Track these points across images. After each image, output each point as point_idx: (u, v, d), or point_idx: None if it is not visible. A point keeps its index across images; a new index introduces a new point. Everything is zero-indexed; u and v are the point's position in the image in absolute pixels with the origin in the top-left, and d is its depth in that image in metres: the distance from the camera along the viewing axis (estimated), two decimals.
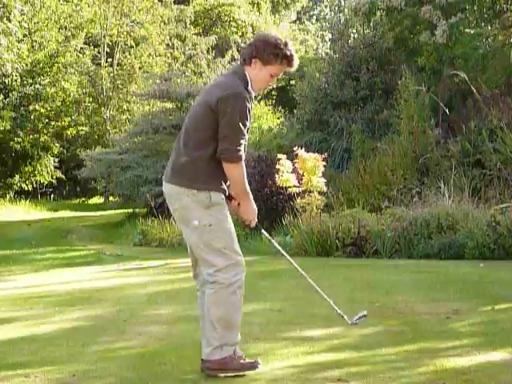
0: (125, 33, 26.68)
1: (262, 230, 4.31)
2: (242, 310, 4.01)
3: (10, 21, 20.58)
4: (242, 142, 3.89)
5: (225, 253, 3.93)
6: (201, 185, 3.90)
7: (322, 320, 5.38)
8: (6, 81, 22.70)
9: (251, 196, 4.05)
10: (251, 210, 4.06)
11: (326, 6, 42.17)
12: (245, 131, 3.90)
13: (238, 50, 29.60)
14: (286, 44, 3.99)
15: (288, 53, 3.99)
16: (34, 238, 15.84)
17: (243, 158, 3.92)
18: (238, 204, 4.05)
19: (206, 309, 3.97)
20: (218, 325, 3.92)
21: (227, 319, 3.93)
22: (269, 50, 3.97)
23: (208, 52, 28.22)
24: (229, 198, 4.03)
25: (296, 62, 4.07)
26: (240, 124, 3.85)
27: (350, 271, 8.49)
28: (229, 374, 3.95)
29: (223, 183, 3.97)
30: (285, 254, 4.39)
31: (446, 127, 13.67)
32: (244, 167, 3.96)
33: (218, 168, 3.91)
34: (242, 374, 3.97)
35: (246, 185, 3.98)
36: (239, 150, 3.88)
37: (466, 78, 13.03)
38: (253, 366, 4.01)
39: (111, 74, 26.14)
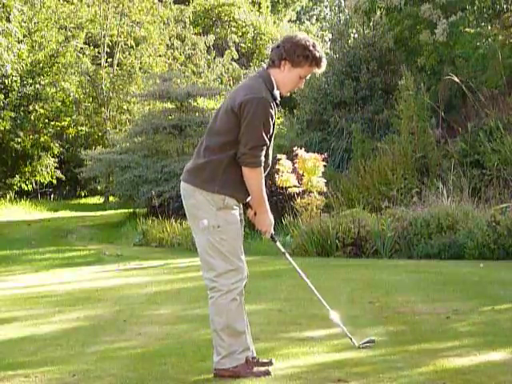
0: (125, 33, 26.66)
1: (277, 243, 4.25)
2: (245, 316, 3.98)
3: (9, 21, 20.57)
4: (262, 147, 3.86)
5: (227, 257, 3.89)
6: (216, 187, 3.88)
7: (322, 320, 5.38)
8: (6, 81, 22.68)
9: (268, 206, 4.01)
10: (267, 221, 4.02)
11: (326, 6, 42.17)
12: (266, 137, 3.86)
13: (237, 50, 29.60)
14: (314, 45, 3.96)
15: (317, 54, 3.96)
16: (34, 238, 15.84)
17: (262, 164, 3.89)
18: (255, 213, 4.03)
19: (210, 319, 3.95)
20: (223, 333, 3.90)
21: (231, 327, 3.90)
22: (299, 52, 3.93)
23: (208, 52, 28.21)
24: (246, 206, 4.03)
25: (324, 64, 4.03)
26: (261, 129, 3.82)
27: (350, 271, 8.50)
28: None
29: (240, 191, 3.93)
30: (296, 267, 4.33)
31: (445, 127, 13.68)
32: (263, 174, 3.93)
33: (237, 174, 3.89)
34: None
35: (263, 192, 3.95)
36: (259, 156, 3.85)
37: (460, 83, 13.02)
38: (266, 373, 3.96)
39: (111, 75, 26.13)
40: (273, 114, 3.87)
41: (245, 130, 3.82)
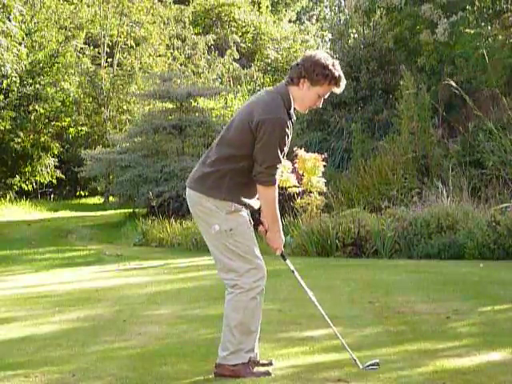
0: (125, 33, 26.67)
1: (287, 261, 4.27)
2: (260, 317, 3.98)
3: (9, 21, 20.56)
4: (277, 166, 3.90)
5: (245, 257, 3.93)
6: (223, 194, 3.91)
7: (322, 320, 5.37)
8: (5, 82, 22.68)
9: (280, 225, 4.06)
10: (278, 239, 4.06)
11: (326, 6, 42.16)
12: (281, 156, 3.90)
13: (237, 50, 29.59)
14: (333, 64, 3.96)
15: (336, 74, 3.95)
16: (34, 238, 15.84)
17: (277, 182, 3.95)
18: (266, 231, 4.06)
19: (225, 314, 3.96)
20: (236, 330, 3.91)
21: (245, 324, 3.91)
22: (318, 71, 3.92)
23: (208, 52, 28.20)
24: (257, 223, 4.07)
25: (343, 83, 4.02)
26: (277, 149, 3.86)
27: (350, 271, 8.50)
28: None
29: (247, 197, 3.97)
30: (303, 285, 4.34)
31: (445, 127, 13.68)
32: (277, 192, 3.98)
33: (244, 181, 3.93)
34: None
35: (276, 210, 3.98)
36: (274, 174, 3.90)
37: (457, 87, 13.01)
38: (266, 374, 3.97)
39: (111, 75, 26.13)
40: (289, 133, 3.91)
41: (261, 149, 3.85)
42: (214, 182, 3.91)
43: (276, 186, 3.94)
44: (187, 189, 4.04)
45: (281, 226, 4.07)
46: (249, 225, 4.00)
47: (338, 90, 4.03)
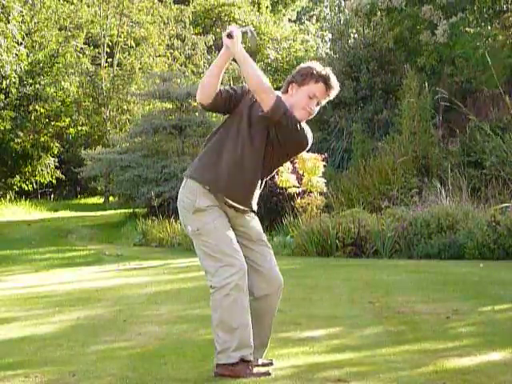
0: (125, 33, 26.67)
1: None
2: (244, 314, 3.89)
3: (8, 22, 20.57)
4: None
5: (214, 256, 3.87)
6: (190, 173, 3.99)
7: (322, 320, 5.38)
8: (5, 82, 22.69)
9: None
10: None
11: (326, 7, 42.15)
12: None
13: None
14: (319, 66, 3.99)
15: (323, 72, 3.95)
16: (34, 238, 15.85)
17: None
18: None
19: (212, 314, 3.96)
20: (218, 329, 3.89)
21: (225, 322, 3.86)
22: (303, 71, 3.97)
23: (208, 52, 28.19)
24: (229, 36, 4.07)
25: (334, 83, 3.97)
26: None
27: (350, 271, 8.50)
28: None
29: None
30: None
31: (446, 127, 13.69)
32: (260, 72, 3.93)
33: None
34: None
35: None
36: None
37: (447, 95, 13.02)
38: (266, 374, 3.94)
39: (111, 75, 26.13)
40: None
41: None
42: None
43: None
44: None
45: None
46: (218, 223, 3.90)
47: (331, 92, 3.98)
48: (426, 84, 13.61)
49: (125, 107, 26.21)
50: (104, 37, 26.34)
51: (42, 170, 26.11)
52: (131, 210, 19.28)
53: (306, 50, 32.48)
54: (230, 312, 3.85)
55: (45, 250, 13.26)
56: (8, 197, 25.32)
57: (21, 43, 22.42)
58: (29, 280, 8.81)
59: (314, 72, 3.94)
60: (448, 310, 5.64)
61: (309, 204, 11.13)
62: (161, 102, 19.80)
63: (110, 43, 26.81)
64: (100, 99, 26.07)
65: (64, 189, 29.96)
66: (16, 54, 21.03)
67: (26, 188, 26.46)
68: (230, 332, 3.88)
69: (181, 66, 26.79)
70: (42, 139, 25.94)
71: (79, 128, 26.91)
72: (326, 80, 3.95)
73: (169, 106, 19.12)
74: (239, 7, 32.12)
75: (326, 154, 11.69)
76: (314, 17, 41.49)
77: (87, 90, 26.37)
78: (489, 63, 13.06)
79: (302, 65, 4.05)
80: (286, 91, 4.00)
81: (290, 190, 11.36)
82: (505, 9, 15.07)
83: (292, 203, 11.46)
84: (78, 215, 22.35)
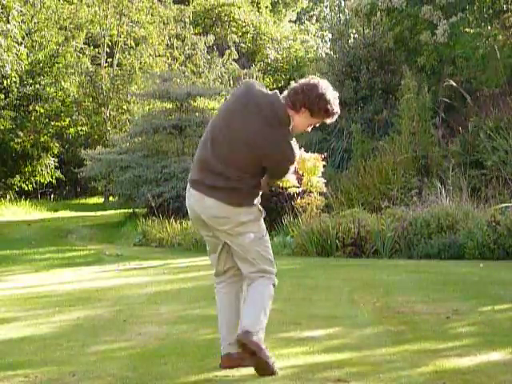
0: (125, 33, 26.67)
1: None
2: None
3: (8, 22, 20.58)
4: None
5: (271, 260, 4.16)
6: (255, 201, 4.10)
7: (322, 320, 5.38)
8: (6, 82, 22.70)
9: None
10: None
11: (326, 7, 42.16)
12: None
13: (237, 50, 29.59)
14: (335, 99, 4.03)
15: (336, 110, 4.05)
16: (34, 238, 15.84)
17: None
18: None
19: (259, 297, 4.09)
20: (265, 312, 4.10)
21: (266, 311, 4.13)
22: (321, 105, 3.99)
23: (208, 52, 28.20)
24: None
25: (336, 117, 4.15)
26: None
27: (350, 271, 8.50)
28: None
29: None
30: None
31: (445, 127, 13.69)
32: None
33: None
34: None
35: None
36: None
37: (458, 87, 13.02)
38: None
39: (111, 74, 26.13)
40: None
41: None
42: (245, 196, 4.07)
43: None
44: (208, 199, 4.04)
45: None
46: None
47: (328, 121, 4.13)
48: (426, 84, 13.61)
49: (125, 107, 26.21)
50: (104, 37, 26.34)
51: (41, 170, 26.12)
52: (131, 210, 19.28)
53: (306, 50, 32.51)
54: (269, 303, 4.14)
55: (45, 249, 13.26)
56: (8, 197, 25.32)
57: (21, 43, 22.42)
58: (29, 280, 8.81)
59: (330, 111, 4.02)
60: (448, 310, 5.63)
61: (309, 204, 11.13)
62: (161, 101, 19.80)
63: (110, 43, 26.81)
64: (100, 99, 26.07)
65: (64, 189, 29.97)
66: (16, 54, 21.04)
67: (26, 188, 26.47)
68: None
69: (180, 65, 26.79)
70: (42, 139, 25.94)
71: (79, 128, 26.92)
72: (333, 116, 4.09)
73: (169, 105, 19.11)
74: (239, 7, 32.13)
75: (325, 154, 11.67)
76: (314, 17, 41.51)
77: (87, 89, 26.37)
78: (489, 63, 13.06)
79: (320, 92, 3.99)
80: (298, 111, 4.00)
81: (289, 190, 11.34)
82: (505, 9, 15.07)
83: (292, 203, 11.46)
84: (78, 215, 22.35)
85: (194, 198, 4.13)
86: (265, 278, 4.11)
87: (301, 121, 4.04)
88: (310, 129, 4.19)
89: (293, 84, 4.08)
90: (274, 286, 4.17)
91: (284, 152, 3.99)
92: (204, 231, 4.21)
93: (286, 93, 4.05)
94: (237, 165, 3.94)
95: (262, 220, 4.15)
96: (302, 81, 4.09)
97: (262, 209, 4.12)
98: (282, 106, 3.98)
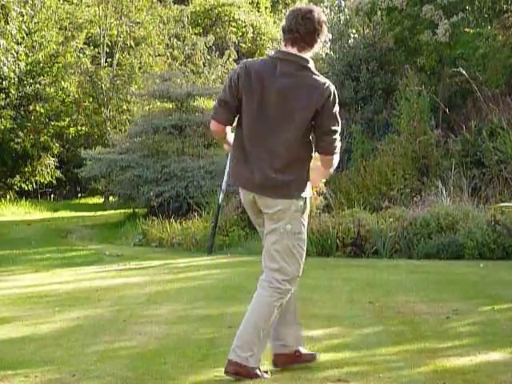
0: (124, 33, 26.66)
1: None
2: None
3: (8, 23, 20.59)
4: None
5: (301, 265, 4.00)
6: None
7: (322, 320, 5.38)
8: (4, 83, 22.70)
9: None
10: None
11: (326, 7, 42.16)
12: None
13: (237, 50, 29.58)
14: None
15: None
16: (34, 238, 15.83)
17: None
18: None
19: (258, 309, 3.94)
20: (260, 330, 3.91)
21: (265, 327, 3.92)
22: (321, 32, 3.94)
23: (208, 52, 28.19)
24: None
25: None
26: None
27: (350, 271, 8.50)
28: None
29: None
30: None
31: (446, 127, 13.69)
32: None
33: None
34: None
35: None
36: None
37: (467, 76, 13.02)
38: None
39: (111, 74, 26.13)
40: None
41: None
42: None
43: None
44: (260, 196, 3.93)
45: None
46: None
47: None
48: (424, 84, 13.61)
49: (125, 107, 26.20)
50: (103, 36, 26.34)
51: (41, 170, 26.12)
52: (131, 210, 19.27)
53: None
54: (272, 318, 3.92)
55: (45, 250, 13.25)
56: (8, 197, 25.32)
57: (20, 43, 22.43)
58: (29, 280, 8.81)
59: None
60: (448, 310, 5.64)
61: None
62: (161, 101, 19.80)
63: (110, 43, 26.81)
64: (100, 99, 26.07)
65: (64, 189, 29.95)
66: (14, 54, 21.03)
67: (26, 188, 26.46)
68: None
69: (180, 65, 26.78)
70: (42, 139, 25.93)
71: (79, 128, 26.92)
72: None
73: (169, 105, 19.11)
74: (239, 7, 32.11)
75: None
76: None
77: (87, 89, 26.37)
78: (489, 63, 13.06)
79: (323, 20, 3.90)
80: (312, 47, 3.90)
81: None
82: (505, 9, 15.06)
83: None
84: (78, 215, 22.35)
85: None
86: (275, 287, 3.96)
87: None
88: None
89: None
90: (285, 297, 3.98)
91: None
92: None
93: (288, 39, 3.92)
94: None
95: None
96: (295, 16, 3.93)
97: None
98: None
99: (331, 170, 4.14)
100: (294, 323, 4.11)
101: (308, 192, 4.00)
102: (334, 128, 3.88)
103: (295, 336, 4.11)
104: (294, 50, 3.87)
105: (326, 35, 3.95)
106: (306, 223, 3.97)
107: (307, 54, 3.89)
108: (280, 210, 3.88)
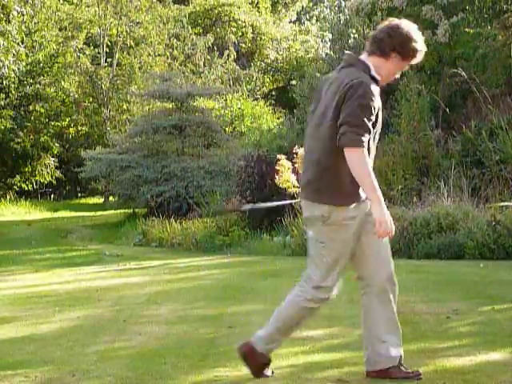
0: (124, 33, 26.67)
1: None
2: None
3: (8, 22, 20.59)
4: (363, 128, 3.77)
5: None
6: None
7: (322, 320, 5.37)
8: (5, 83, 22.70)
9: (381, 197, 3.70)
10: (383, 215, 3.65)
11: (326, 7, 42.15)
12: (368, 124, 3.81)
13: (237, 51, 29.58)
14: (420, 38, 3.86)
15: (424, 49, 3.88)
16: (34, 237, 15.84)
17: (364, 148, 3.73)
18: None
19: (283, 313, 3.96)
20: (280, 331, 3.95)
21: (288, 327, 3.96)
22: (412, 47, 3.80)
23: (208, 52, 28.20)
24: None
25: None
26: (363, 111, 3.79)
27: (350, 271, 8.47)
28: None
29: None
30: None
31: (446, 127, 13.67)
32: (367, 160, 3.74)
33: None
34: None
35: (370, 178, 3.69)
36: (359, 135, 3.73)
37: (466, 77, 13.02)
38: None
39: (111, 74, 26.13)
40: (375, 98, 3.81)
41: (346, 110, 3.77)
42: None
43: (364, 151, 3.70)
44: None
45: (382, 200, 3.67)
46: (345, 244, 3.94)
47: (414, 62, 3.93)
48: (424, 84, 13.60)
49: (125, 107, 26.22)
50: (103, 36, 26.34)
51: (41, 169, 26.13)
52: (131, 210, 19.28)
53: (306, 50, 32.49)
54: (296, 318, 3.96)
55: (45, 249, 13.26)
56: (8, 197, 25.33)
57: (20, 43, 22.42)
58: (29, 280, 8.82)
59: (418, 49, 3.83)
60: (448, 310, 5.63)
61: None
62: (161, 101, 19.81)
63: (110, 43, 26.81)
64: (100, 99, 26.07)
65: (64, 189, 29.97)
66: (14, 54, 21.03)
67: (26, 188, 26.47)
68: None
69: (180, 65, 26.78)
70: (42, 139, 25.95)
71: (79, 128, 26.92)
72: (422, 53, 3.88)
73: (169, 105, 19.12)
74: (239, 7, 32.12)
75: None
76: (314, 17, 41.51)
77: (87, 89, 26.38)
78: (489, 63, 13.05)
79: (408, 33, 3.78)
80: (387, 57, 3.82)
81: (289, 190, 11.35)
82: (505, 9, 15.05)
83: (292, 203, 11.45)
84: (78, 215, 22.36)
85: None
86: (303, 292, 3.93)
87: (392, 68, 3.86)
88: (398, 75, 3.98)
89: (370, 33, 3.86)
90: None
91: None
92: None
93: (366, 45, 3.87)
94: None
95: None
96: (381, 26, 3.87)
97: None
98: None
99: (357, 173, 3.70)
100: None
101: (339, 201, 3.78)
102: (345, 118, 3.72)
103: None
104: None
105: (406, 46, 3.82)
106: (334, 235, 3.84)
107: (378, 59, 3.87)
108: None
